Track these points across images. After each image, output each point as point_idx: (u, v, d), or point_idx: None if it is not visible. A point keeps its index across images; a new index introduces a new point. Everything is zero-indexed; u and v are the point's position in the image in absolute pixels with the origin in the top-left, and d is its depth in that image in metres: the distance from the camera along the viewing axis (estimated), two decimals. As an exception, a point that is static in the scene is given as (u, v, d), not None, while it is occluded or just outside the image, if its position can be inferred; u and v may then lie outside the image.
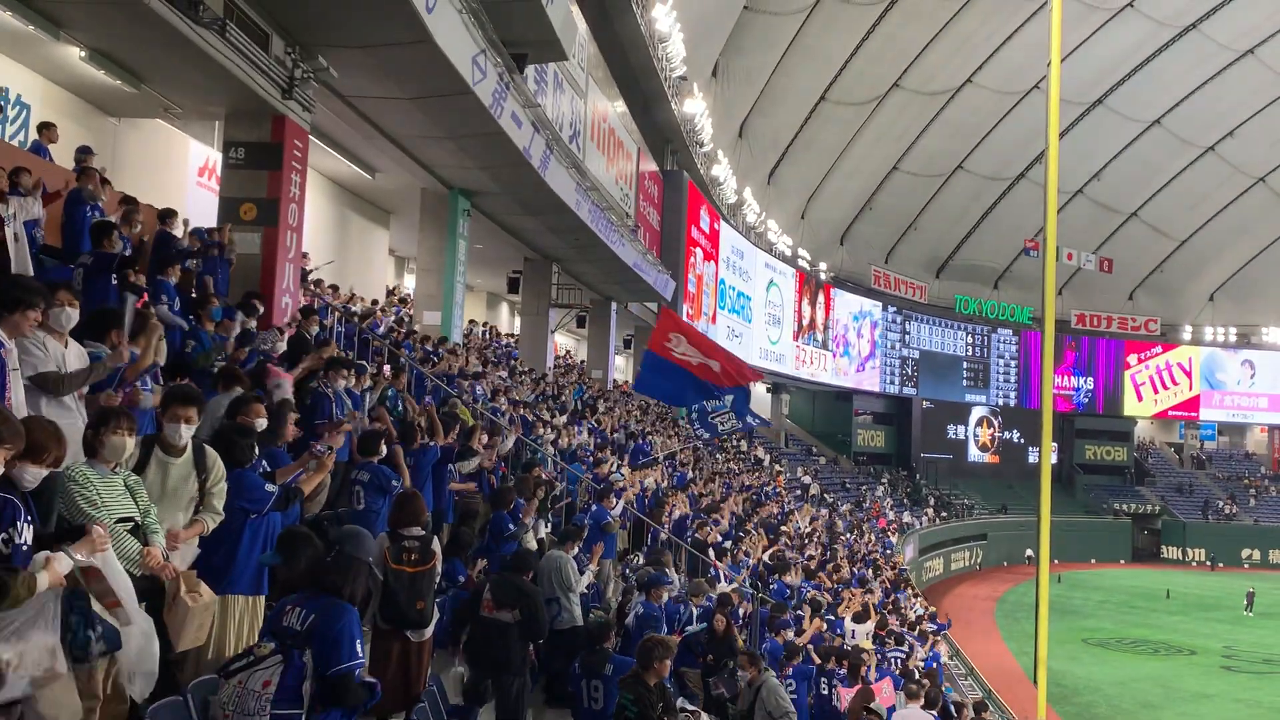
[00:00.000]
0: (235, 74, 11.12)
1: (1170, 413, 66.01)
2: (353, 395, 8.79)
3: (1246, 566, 56.71)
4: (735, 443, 36.75)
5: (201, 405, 4.98)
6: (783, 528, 24.22)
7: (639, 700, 6.09)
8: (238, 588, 5.10)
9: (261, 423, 5.83)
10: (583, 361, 33.92)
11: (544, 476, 12.18)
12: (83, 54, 11.64)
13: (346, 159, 18.48)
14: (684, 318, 34.02)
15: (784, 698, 8.28)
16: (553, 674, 8.23)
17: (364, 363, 10.78)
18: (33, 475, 3.72)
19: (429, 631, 6.12)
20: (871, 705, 9.11)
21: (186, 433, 4.79)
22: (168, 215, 9.98)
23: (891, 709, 11.08)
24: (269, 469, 5.51)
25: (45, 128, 10.59)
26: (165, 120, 14.46)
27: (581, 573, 8.88)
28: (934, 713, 11.30)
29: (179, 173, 15.83)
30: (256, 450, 5.39)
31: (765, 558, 18.49)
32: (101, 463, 4.24)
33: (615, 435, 21.25)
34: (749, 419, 14.72)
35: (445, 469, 9.68)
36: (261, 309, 10.01)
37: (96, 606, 3.69)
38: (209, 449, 4.93)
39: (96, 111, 13.93)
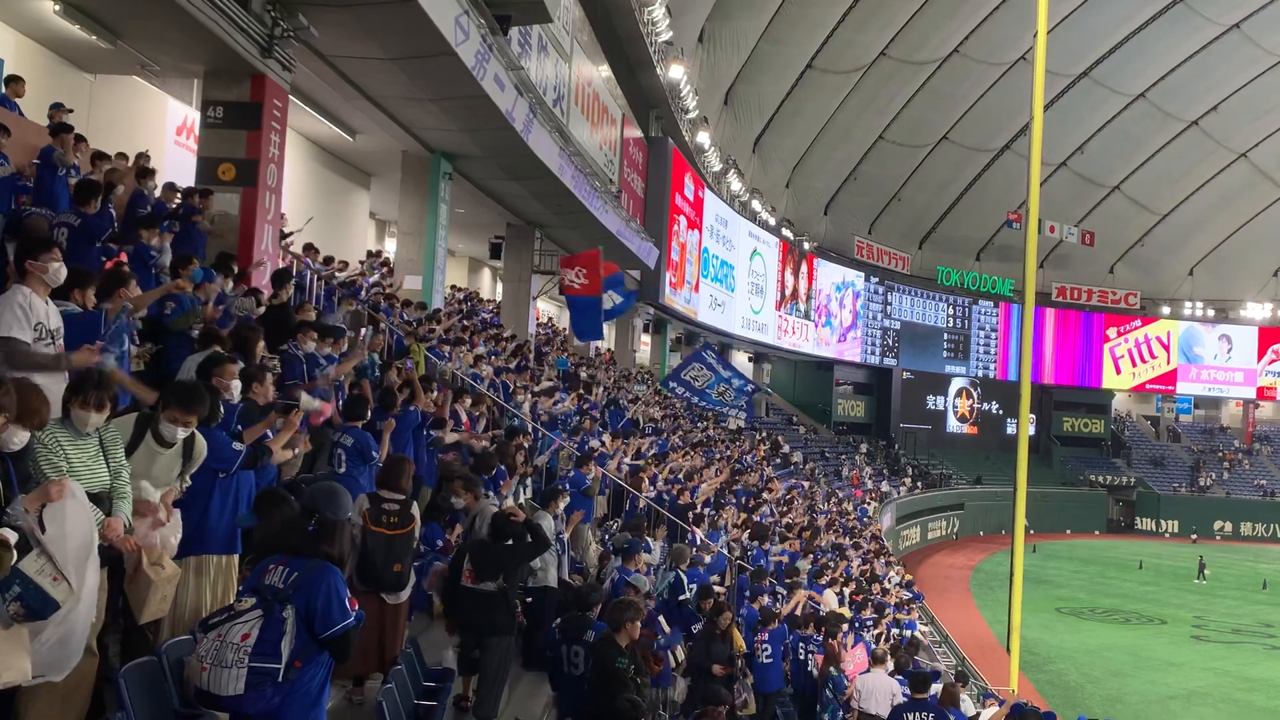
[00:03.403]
0: (214, 31, 10.95)
1: (1148, 386, 66.55)
2: (331, 359, 8.74)
3: (1219, 538, 57.55)
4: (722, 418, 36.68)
5: (203, 414, 4.81)
6: (764, 494, 24.37)
7: (629, 657, 6.21)
8: (211, 548, 5.08)
9: (236, 385, 5.77)
10: (565, 329, 33.82)
11: (526, 445, 12.18)
12: (57, 8, 11.45)
13: (327, 120, 18.27)
14: (667, 285, 34.02)
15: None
16: (525, 634, 8.25)
17: (342, 326, 10.71)
18: (20, 439, 3.70)
19: (405, 594, 6.15)
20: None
21: (182, 434, 4.69)
22: (144, 175, 9.87)
23: (864, 673, 11.23)
24: (241, 428, 5.48)
25: (12, 81, 10.41)
26: (142, 78, 14.24)
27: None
28: (900, 678, 11.46)
29: (157, 132, 15.60)
30: (222, 410, 5.34)
31: (745, 537, 18.60)
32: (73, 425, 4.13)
33: (595, 405, 21.24)
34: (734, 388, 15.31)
35: (423, 433, 9.65)
36: (237, 270, 9.93)
37: (34, 572, 3.47)
38: (199, 436, 4.80)
39: (71, 67, 13.69)
